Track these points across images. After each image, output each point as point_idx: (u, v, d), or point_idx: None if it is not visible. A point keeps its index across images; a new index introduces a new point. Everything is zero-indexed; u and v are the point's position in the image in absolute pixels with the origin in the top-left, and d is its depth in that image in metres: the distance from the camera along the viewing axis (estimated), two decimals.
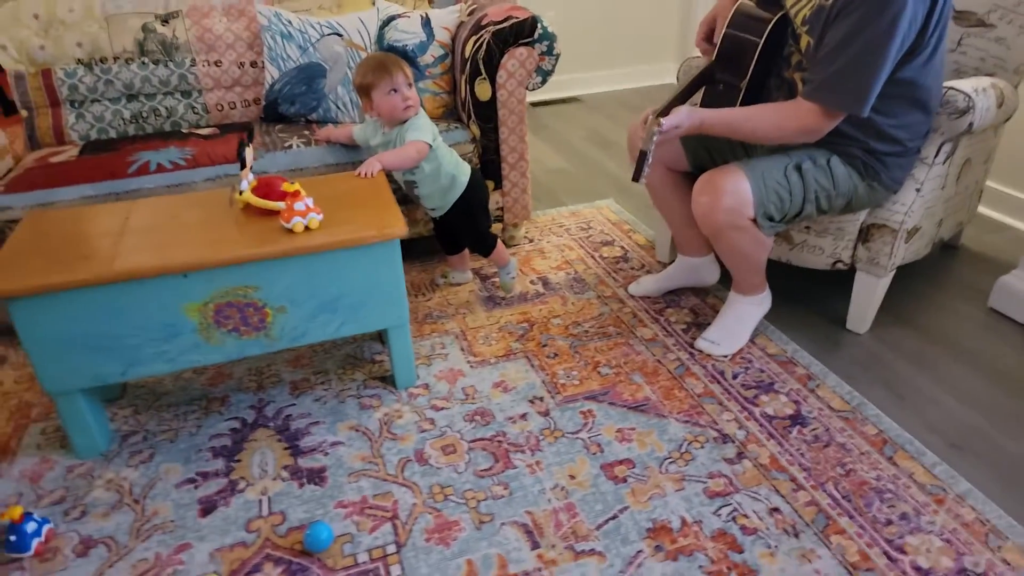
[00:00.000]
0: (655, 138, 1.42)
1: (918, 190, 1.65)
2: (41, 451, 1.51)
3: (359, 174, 1.71)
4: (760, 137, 1.54)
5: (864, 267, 1.75)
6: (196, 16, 2.26)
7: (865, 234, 1.71)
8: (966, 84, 1.61)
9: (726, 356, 1.76)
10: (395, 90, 1.70)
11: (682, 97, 1.69)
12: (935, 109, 1.57)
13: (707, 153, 1.81)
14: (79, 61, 2.16)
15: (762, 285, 1.79)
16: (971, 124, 1.58)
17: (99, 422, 1.49)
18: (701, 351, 1.78)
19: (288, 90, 2.22)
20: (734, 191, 1.53)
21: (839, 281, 1.96)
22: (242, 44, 2.29)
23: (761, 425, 1.54)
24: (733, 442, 1.49)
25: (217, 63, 2.28)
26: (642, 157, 1.43)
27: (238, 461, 1.48)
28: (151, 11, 2.23)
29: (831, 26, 1.42)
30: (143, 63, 2.21)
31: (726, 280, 1.84)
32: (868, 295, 1.79)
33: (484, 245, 1.97)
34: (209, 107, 2.30)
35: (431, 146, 1.77)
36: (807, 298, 1.99)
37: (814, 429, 1.52)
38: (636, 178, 1.46)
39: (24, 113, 2.12)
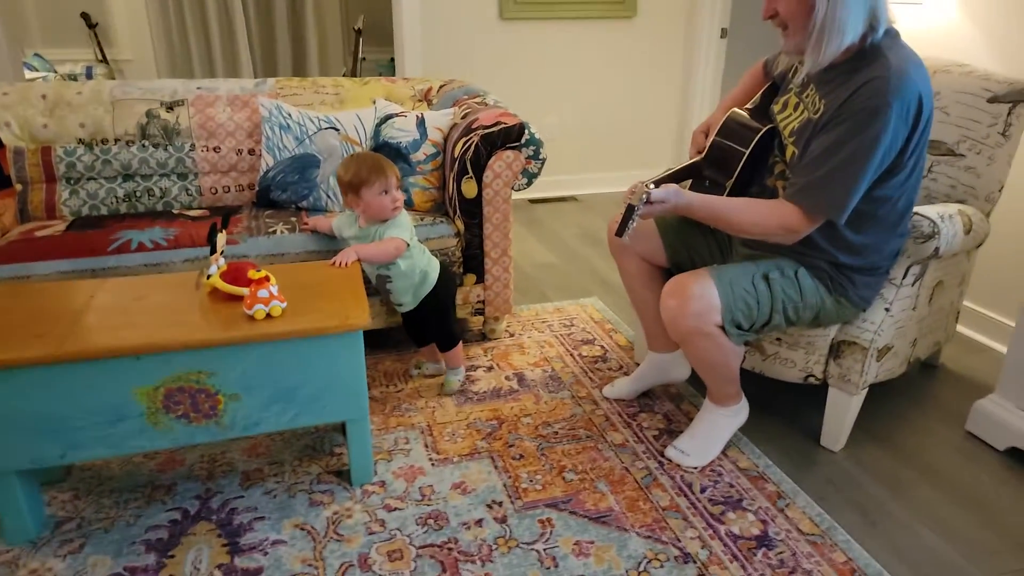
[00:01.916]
0: (643, 199, 1.42)
1: (887, 310, 1.64)
2: None
3: (334, 263, 1.72)
4: (741, 228, 1.54)
5: (836, 383, 1.72)
6: (201, 105, 2.35)
7: (836, 350, 1.69)
8: (932, 210, 1.62)
9: (696, 468, 1.70)
10: (386, 191, 1.75)
11: (669, 179, 1.71)
12: (905, 232, 1.58)
13: (685, 251, 1.82)
14: (80, 141, 2.23)
15: (736, 396, 1.74)
16: (937, 249, 1.59)
17: (33, 506, 1.44)
18: (671, 460, 1.72)
19: (281, 178, 2.27)
20: (701, 295, 1.52)
21: (815, 393, 1.92)
22: (242, 132, 2.38)
23: (726, 545, 1.46)
24: (695, 562, 1.41)
25: (216, 149, 2.36)
26: (628, 211, 1.42)
27: (171, 557, 1.41)
28: (158, 99, 2.32)
29: (817, 136, 1.47)
30: (143, 146, 2.29)
31: (703, 388, 1.80)
32: (841, 412, 1.74)
33: (447, 340, 1.97)
34: (203, 190, 2.36)
35: (409, 245, 1.81)
36: (783, 409, 1.94)
37: (780, 552, 1.44)
38: (620, 233, 1.44)
39: (18, 187, 2.17)
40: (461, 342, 2.01)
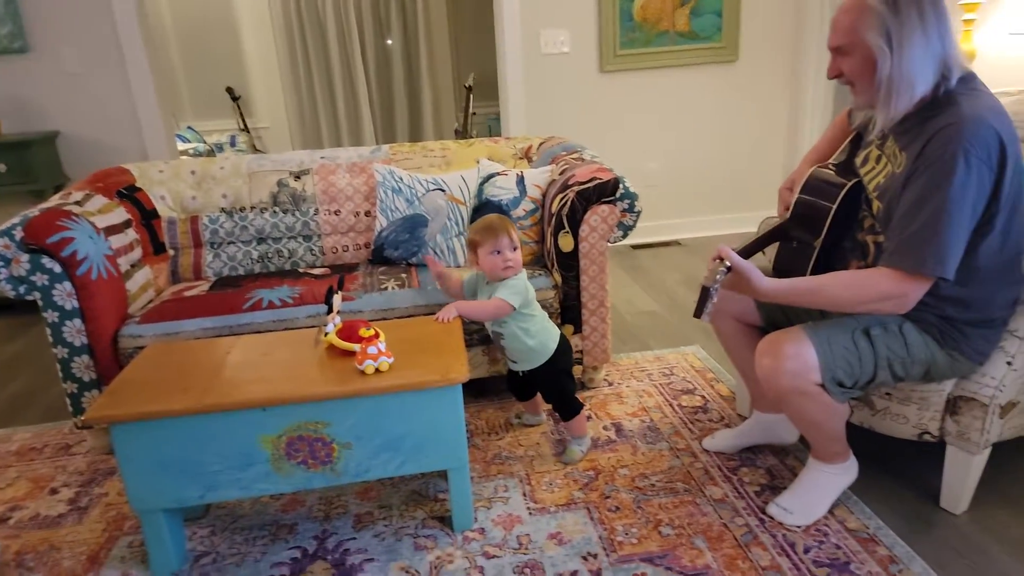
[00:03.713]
0: (719, 278, 1.43)
1: (1009, 363, 1.53)
2: (124, 564, 1.65)
3: (437, 319, 1.83)
4: (839, 306, 1.48)
5: (954, 441, 1.61)
6: (324, 173, 2.60)
7: (953, 406, 1.59)
8: None
9: (799, 527, 1.64)
10: (498, 252, 1.80)
11: (754, 247, 1.70)
12: (1020, 280, 1.48)
13: (779, 309, 1.78)
14: (222, 210, 2.53)
15: (844, 453, 1.67)
16: None
17: (176, 541, 1.62)
18: (772, 518, 1.67)
19: (393, 237, 2.46)
20: (796, 355, 1.49)
21: (934, 451, 1.80)
22: (359, 196, 2.59)
23: None
24: None
25: (336, 212, 2.59)
26: (704, 294, 1.42)
27: None
28: (287, 169, 2.59)
29: (904, 192, 1.42)
30: (274, 212, 2.55)
31: (807, 442, 1.74)
32: (962, 472, 1.62)
33: (567, 409, 1.95)
34: (325, 250, 2.59)
35: (515, 308, 1.82)
36: (897, 469, 1.83)
37: None
38: (698, 314, 1.44)
39: (171, 252, 2.49)
40: (584, 411, 1.97)
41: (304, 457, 1.57)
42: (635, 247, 3.87)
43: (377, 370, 1.57)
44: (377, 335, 1.62)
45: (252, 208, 2.54)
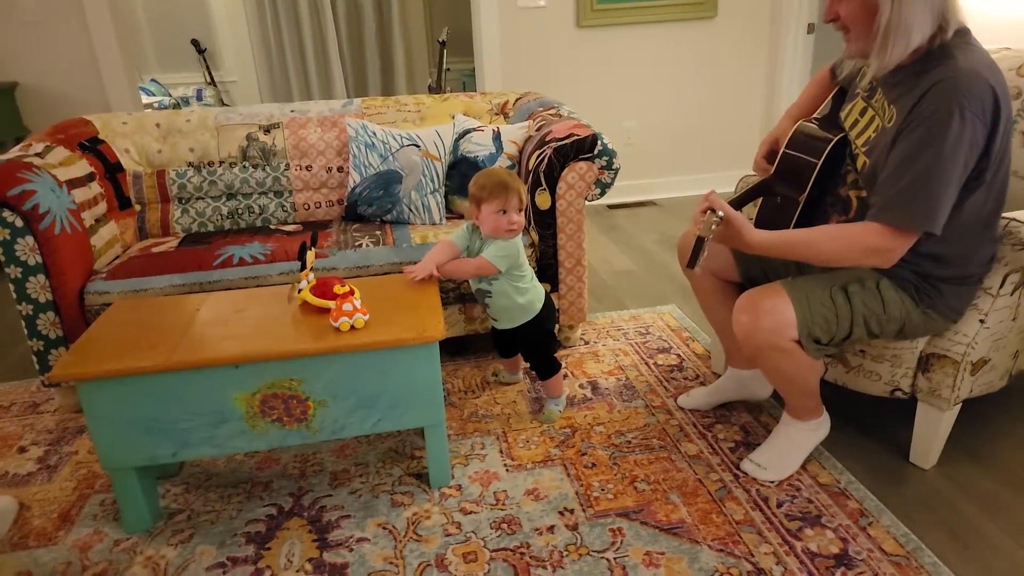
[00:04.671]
0: (713, 227, 1.41)
1: (982, 321, 1.55)
2: (96, 522, 1.63)
3: (410, 277, 1.79)
4: (825, 259, 1.48)
5: (925, 398, 1.64)
6: (294, 127, 2.52)
7: (925, 363, 1.61)
8: None
9: (773, 482, 1.67)
10: (504, 211, 1.73)
11: (740, 202, 1.69)
12: (996, 236, 1.50)
13: (758, 264, 1.78)
14: (190, 164, 2.45)
15: (817, 409, 1.70)
16: None
17: (150, 499, 1.60)
18: (746, 474, 1.70)
19: (367, 193, 2.40)
20: (773, 311, 1.50)
21: (905, 407, 1.83)
22: (331, 151, 2.53)
23: (802, 563, 1.43)
24: None
25: (308, 168, 2.52)
26: (699, 243, 1.41)
27: (268, 549, 1.53)
28: (256, 123, 2.51)
29: (893, 147, 1.41)
30: (244, 167, 2.47)
31: (782, 399, 1.76)
32: (932, 428, 1.66)
33: (546, 368, 1.95)
34: (297, 206, 2.52)
35: (499, 272, 1.77)
36: (868, 424, 1.87)
37: (860, 573, 1.40)
38: (691, 264, 1.43)
39: (137, 207, 2.40)
40: (562, 371, 1.98)
41: (279, 415, 1.55)
42: (611, 207, 3.85)
43: (352, 327, 1.54)
44: (352, 292, 1.59)
45: (221, 163, 2.47)
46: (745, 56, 3.85)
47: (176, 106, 5.52)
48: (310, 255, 1.67)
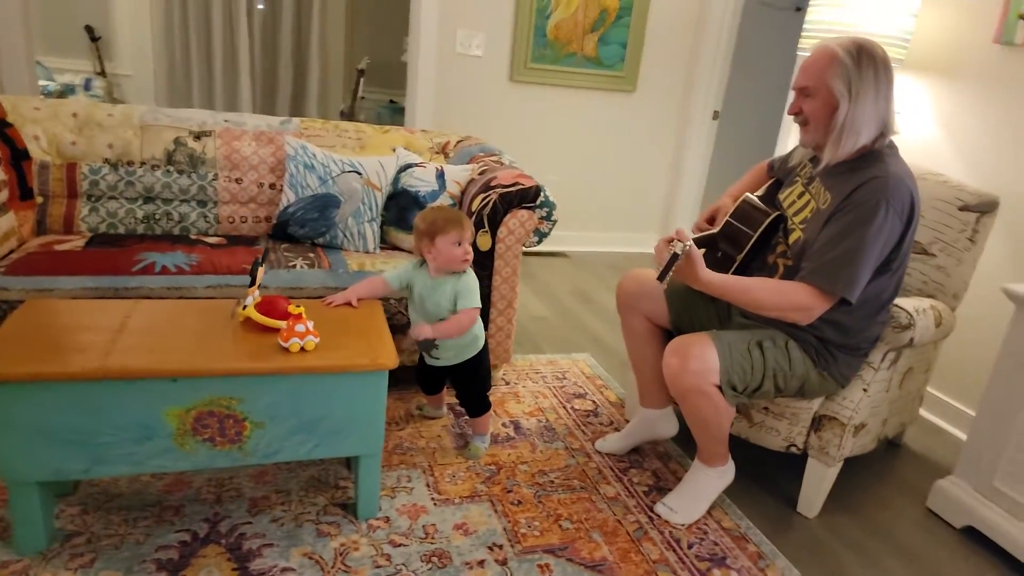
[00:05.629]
0: (687, 246, 1.53)
1: (865, 390, 1.79)
2: None
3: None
4: (759, 306, 1.65)
5: (815, 454, 1.85)
6: (228, 137, 2.44)
7: (817, 423, 1.83)
8: (909, 303, 1.79)
9: (683, 525, 1.80)
10: (460, 243, 1.76)
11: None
12: (885, 320, 1.75)
13: (687, 315, 1.96)
14: (106, 160, 2.29)
15: (724, 456, 1.86)
16: (912, 339, 1.75)
17: (46, 518, 1.46)
18: (659, 516, 1.82)
19: (301, 214, 2.36)
20: (701, 356, 1.65)
21: (794, 464, 2.04)
22: (265, 167, 2.46)
23: None
24: None
25: (238, 180, 2.44)
26: (672, 260, 1.51)
27: None
28: (187, 128, 2.40)
29: (826, 225, 1.63)
30: (168, 171, 2.35)
31: (691, 450, 1.91)
32: (818, 481, 1.87)
33: (479, 406, 1.98)
34: (221, 218, 2.43)
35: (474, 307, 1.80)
36: (763, 477, 2.06)
37: None
38: (661, 278, 1.53)
39: (39, 199, 2.21)
40: (490, 410, 2.01)
41: (212, 434, 1.48)
42: (527, 254, 3.98)
43: (303, 348, 1.52)
44: (302, 314, 1.56)
45: (142, 163, 2.33)
46: (657, 130, 4.17)
47: (62, 94, 5.11)
48: (260, 271, 1.63)
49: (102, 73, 5.55)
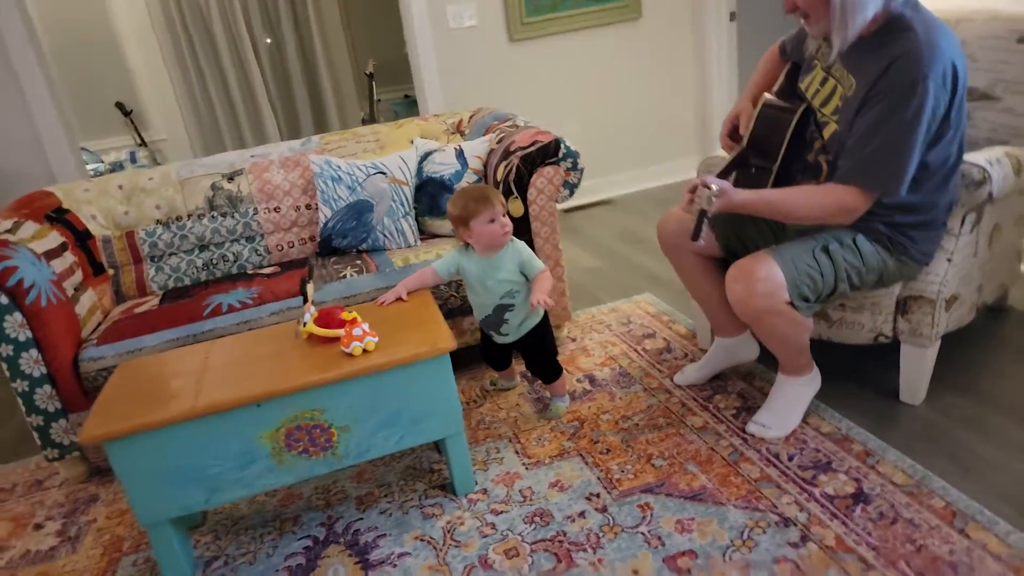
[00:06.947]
0: (713, 200, 1.51)
1: (949, 260, 1.69)
2: None
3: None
4: (799, 216, 1.61)
5: (907, 339, 1.77)
6: (257, 171, 2.54)
7: (903, 306, 1.75)
8: (980, 156, 1.67)
9: (779, 439, 1.78)
10: (493, 220, 1.76)
11: (720, 176, 1.80)
12: (957, 183, 1.64)
13: (738, 240, 1.90)
14: (158, 221, 2.43)
15: (809, 365, 1.82)
16: (990, 194, 1.64)
17: (185, 550, 1.59)
18: (753, 435, 1.80)
19: (340, 226, 2.44)
20: (766, 277, 1.60)
21: (886, 353, 1.97)
22: (297, 190, 2.55)
23: (823, 506, 1.54)
24: (795, 525, 1.49)
25: (276, 209, 2.54)
26: (701, 217, 1.50)
27: None
28: (219, 172, 2.51)
29: (859, 115, 1.54)
30: (212, 216, 2.48)
31: (772, 362, 1.88)
32: (917, 366, 1.80)
33: (551, 372, 2.00)
34: (270, 248, 2.54)
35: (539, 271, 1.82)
36: (856, 374, 2.00)
37: (879, 506, 1.51)
38: (695, 237, 1.53)
39: (110, 272, 2.38)
40: (564, 371, 2.03)
41: (304, 446, 1.57)
42: (568, 211, 3.97)
43: (364, 350, 1.58)
44: (357, 318, 1.63)
45: (189, 216, 2.46)
46: (673, 49, 4.04)
47: (111, 172, 5.40)
48: (310, 288, 1.71)
49: (143, 143, 5.84)
